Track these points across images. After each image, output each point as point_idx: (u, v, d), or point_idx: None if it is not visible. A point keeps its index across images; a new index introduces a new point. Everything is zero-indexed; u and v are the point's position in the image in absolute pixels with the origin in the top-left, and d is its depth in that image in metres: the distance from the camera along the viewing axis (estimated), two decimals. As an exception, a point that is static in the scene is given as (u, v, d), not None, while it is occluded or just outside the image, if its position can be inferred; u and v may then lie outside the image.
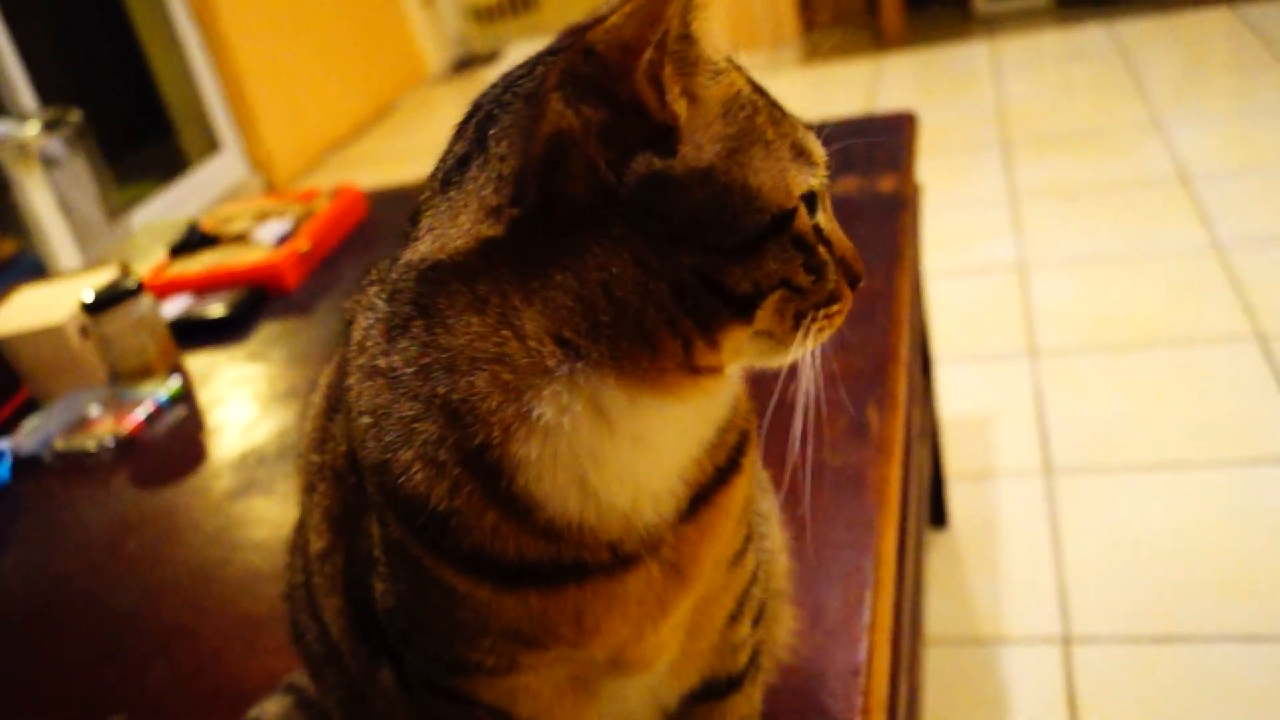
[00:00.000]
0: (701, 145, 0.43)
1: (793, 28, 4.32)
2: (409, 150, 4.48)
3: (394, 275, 0.48)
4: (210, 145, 4.23)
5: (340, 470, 0.58)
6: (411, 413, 0.46)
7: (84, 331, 1.46)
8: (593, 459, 0.45)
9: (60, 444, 1.32)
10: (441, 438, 0.45)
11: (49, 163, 2.55)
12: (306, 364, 1.38)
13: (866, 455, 0.94)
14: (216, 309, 1.53)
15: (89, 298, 1.41)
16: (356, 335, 0.51)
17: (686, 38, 0.44)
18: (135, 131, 4.23)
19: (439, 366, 0.45)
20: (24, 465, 1.32)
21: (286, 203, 1.80)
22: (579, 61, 0.43)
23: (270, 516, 1.09)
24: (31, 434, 1.35)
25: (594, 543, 0.47)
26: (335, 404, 0.61)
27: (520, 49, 5.30)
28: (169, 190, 3.96)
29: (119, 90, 4.23)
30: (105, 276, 1.53)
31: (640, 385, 0.44)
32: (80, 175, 2.71)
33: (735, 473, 0.50)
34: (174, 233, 1.77)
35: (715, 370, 0.46)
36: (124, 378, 1.42)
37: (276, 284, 1.59)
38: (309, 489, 0.63)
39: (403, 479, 0.46)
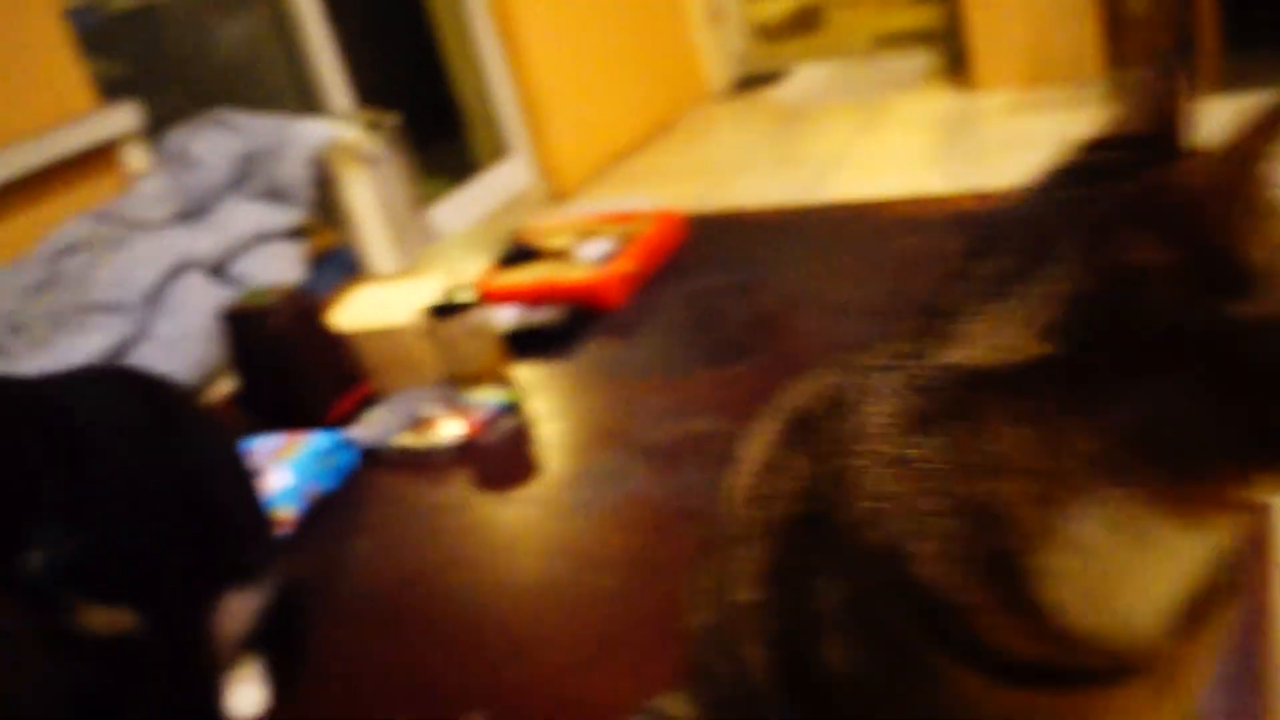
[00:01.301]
0: None
1: (1096, 64, 4.16)
2: (689, 167, 4.56)
3: (924, 372, 0.49)
4: (500, 150, 4.40)
5: (785, 529, 0.59)
6: (932, 507, 0.46)
7: (424, 333, 1.54)
8: (1117, 576, 0.45)
9: (401, 440, 1.39)
10: (963, 536, 0.45)
11: (370, 162, 2.71)
12: (633, 385, 1.42)
13: None
14: (546, 322, 1.59)
15: (432, 303, 1.48)
16: (868, 421, 0.51)
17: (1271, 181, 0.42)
18: (427, 131, 4.45)
19: (970, 469, 0.45)
20: (366, 457, 1.40)
21: (607, 222, 1.85)
22: (1161, 199, 0.42)
23: (614, 540, 1.12)
24: (373, 427, 1.43)
25: (1098, 651, 0.46)
26: (778, 464, 0.63)
27: (804, 70, 5.35)
28: (460, 191, 4.14)
29: (415, 90, 4.45)
30: (438, 281, 1.61)
31: (1179, 511, 0.44)
32: (394, 175, 2.87)
33: (1234, 592, 0.49)
34: (477, 240, 1.84)
35: (1253, 499, 0.45)
36: (458, 381, 1.49)
37: (600, 302, 1.64)
38: (739, 540, 0.64)
39: (914, 568, 0.46)
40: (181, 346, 2.27)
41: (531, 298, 1.67)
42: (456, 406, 1.44)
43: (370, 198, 2.68)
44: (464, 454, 1.36)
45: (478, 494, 1.27)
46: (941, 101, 4.60)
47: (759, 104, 5.23)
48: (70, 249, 2.54)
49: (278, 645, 1.06)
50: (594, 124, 4.63)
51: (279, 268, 2.45)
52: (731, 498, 0.68)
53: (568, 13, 4.52)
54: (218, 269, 2.44)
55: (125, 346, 2.26)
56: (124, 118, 2.91)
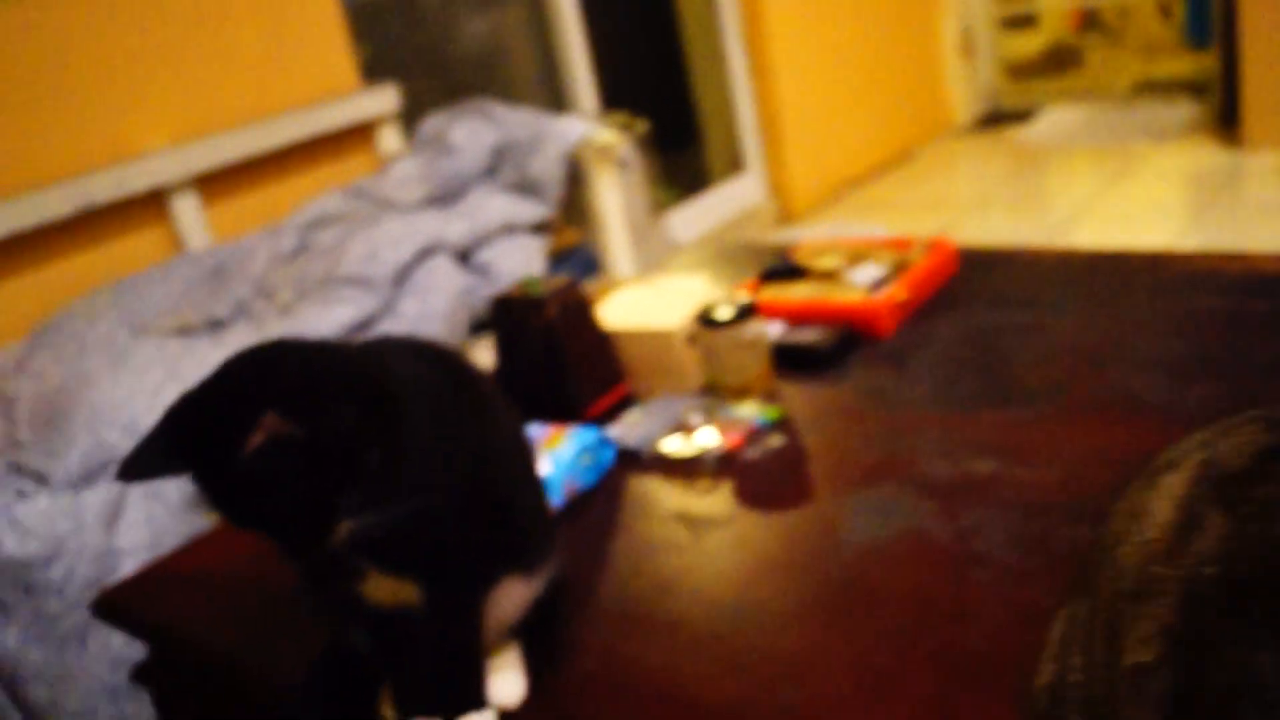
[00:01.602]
0: None
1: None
2: (925, 200, 4.43)
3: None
4: (733, 165, 4.37)
5: (1199, 591, 0.53)
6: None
7: (690, 340, 1.49)
8: None
9: (661, 445, 1.35)
10: None
11: (621, 165, 2.70)
12: (906, 417, 1.34)
13: None
14: (817, 342, 1.52)
15: (705, 311, 1.44)
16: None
17: None
18: (663, 140, 4.45)
19: None
20: (622, 457, 1.37)
21: (878, 247, 1.78)
22: None
23: (894, 576, 1.04)
24: (632, 428, 1.40)
25: None
26: (1193, 521, 0.56)
27: (1055, 111, 5.14)
28: (692, 203, 4.12)
29: (656, 97, 4.45)
30: (702, 288, 1.57)
31: None
32: (640, 181, 2.86)
33: None
34: (710, 252, 1.79)
35: None
36: (721, 392, 1.44)
37: (871, 329, 1.57)
38: (1137, 597, 0.57)
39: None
40: (424, 326, 2.29)
41: (798, 316, 1.60)
42: (718, 418, 1.39)
43: (617, 200, 2.67)
44: (725, 467, 1.30)
45: (740, 509, 1.22)
46: (1204, 156, 4.35)
47: (1004, 142, 5.05)
48: (322, 221, 2.61)
49: (538, 638, 1.03)
50: (831, 147, 4.55)
51: (522, 260, 2.46)
52: (1129, 552, 0.60)
53: (818, 32, 4.45)
54: (464, 255, 2.46)
55: (370, 321, 2.30)
56: (384, 99, 2.98)
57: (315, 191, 2.82)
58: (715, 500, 1.25)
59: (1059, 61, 5.42)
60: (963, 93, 5.30)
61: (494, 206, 2.55)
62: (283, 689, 1.07)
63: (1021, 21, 5.52)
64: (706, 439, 1.34)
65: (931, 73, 5.18)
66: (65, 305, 2.39)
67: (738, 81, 4.29)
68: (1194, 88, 4.96)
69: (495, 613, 0.97)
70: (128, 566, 1.78)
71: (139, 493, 1.84)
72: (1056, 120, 5.14)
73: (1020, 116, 5.24)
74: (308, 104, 2.87)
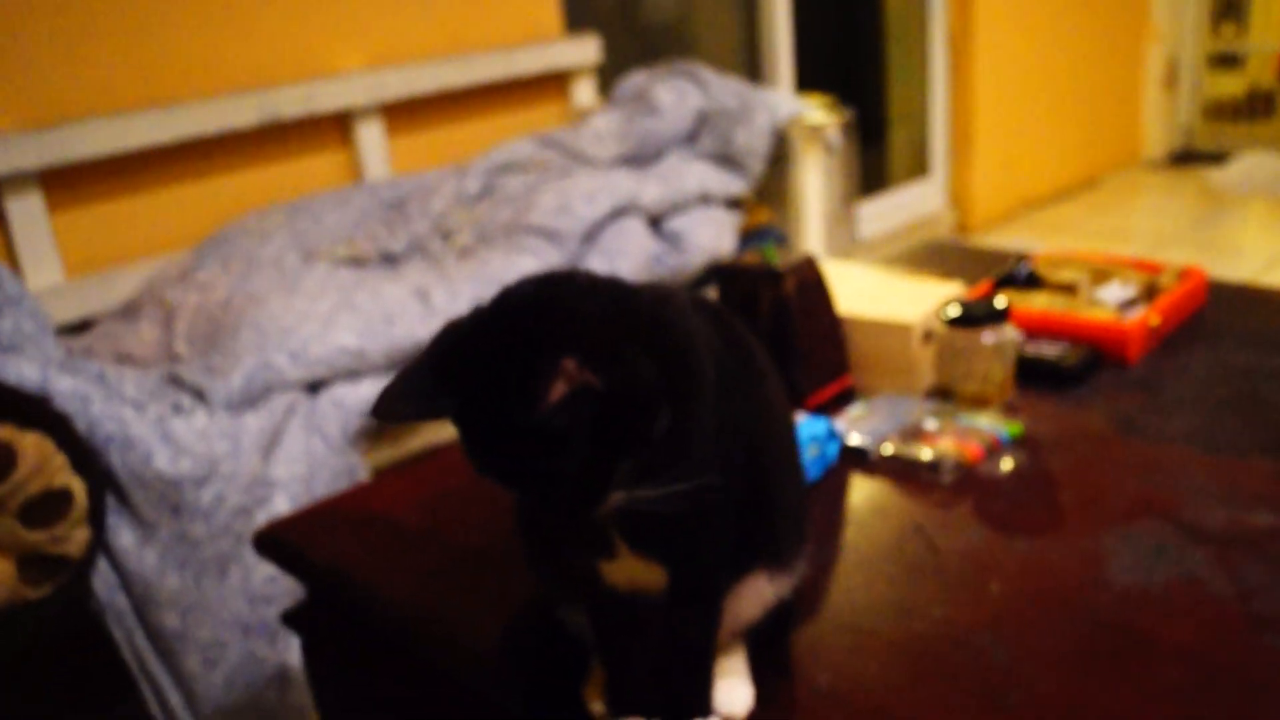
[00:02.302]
0: None
1: None
2: (1108, 230, 4.23)
3: None
4: (919, 168, 4.22)
5: None
6: None
7: (926, 337, 1.39)
8: None
9: (894, 447, 1.25)
10: None
11: (827, 148, 2.59)
12: (1165, 453, 1.21)
13: None
14: (1062, 357, 1.40)
15: (955, 308, 1.33)
16: None
17: None
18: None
19: None
20: (845, 454, 1.27)
21: (1122, 267, 1.64)
22: None
23: (1172, 627, 0.93)
24: (858, 424, 1.30)
25: None
26: None
27: (1250, 155, 4.88)
28: (873, 201, 3.99)
29: (850, 88, 4.31)
30: (941, 285, 1.46)
31: None
32: (840, 168, 2.75)
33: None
34: (905, 247, 1.67)
35: None
36: (955, 399, 1.33)
37: (1117, 351, 1.44)
38: None
39: None
40: (606, 288, 2.22)
41: (1037, 327, 1.48)
42: (957, 426, 1.28)
43: (819, 184, 2.56)
44: (961, 480, 1.20)
45: (984, 529, 1.11)
46: None
47: (1195, 181, 4.80)
48: (510, 167, 2.55)
49: (765, 644, 0.94)
50: (1018, 163, 4.37)
51: (714, 233, 2.37)
52: None
53: (1023, 44, 4.27)
54: (654, 220, 2.38)
55: (553, 275, 2.23)
56: (585, 50, 2.91)
57: (501, 136, 2.77)
58: (955, 516, 1.14)
59: (1257, 107, 5.13)
60: (1158, 126, 5.06)
61: (692, 174, 2.46)
62: (461, 651, 1.00)
63: (1227, 60, 5.24)
64: (943, 447, 1.23)
65: (1130, 101, 4.95)
66: (237, 220, 2.36)
67: (936, 82, 4.13)
68: None
69: (735, 611, 0.87)
70: (279, 499, 1.72)
71: (299, 423, 1.79)
72: (1253, 166, 4.87)
73: (1214, 158, 4.98)
74: (506, 45, 2.81)
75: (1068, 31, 4.50)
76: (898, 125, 4.25)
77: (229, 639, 1.66)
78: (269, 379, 1.79)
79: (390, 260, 2.37)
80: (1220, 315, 1.59)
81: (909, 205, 4.10)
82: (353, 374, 1.86)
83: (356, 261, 2.33)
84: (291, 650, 1.72)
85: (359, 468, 1.82)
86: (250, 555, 1.68)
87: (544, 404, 0.66)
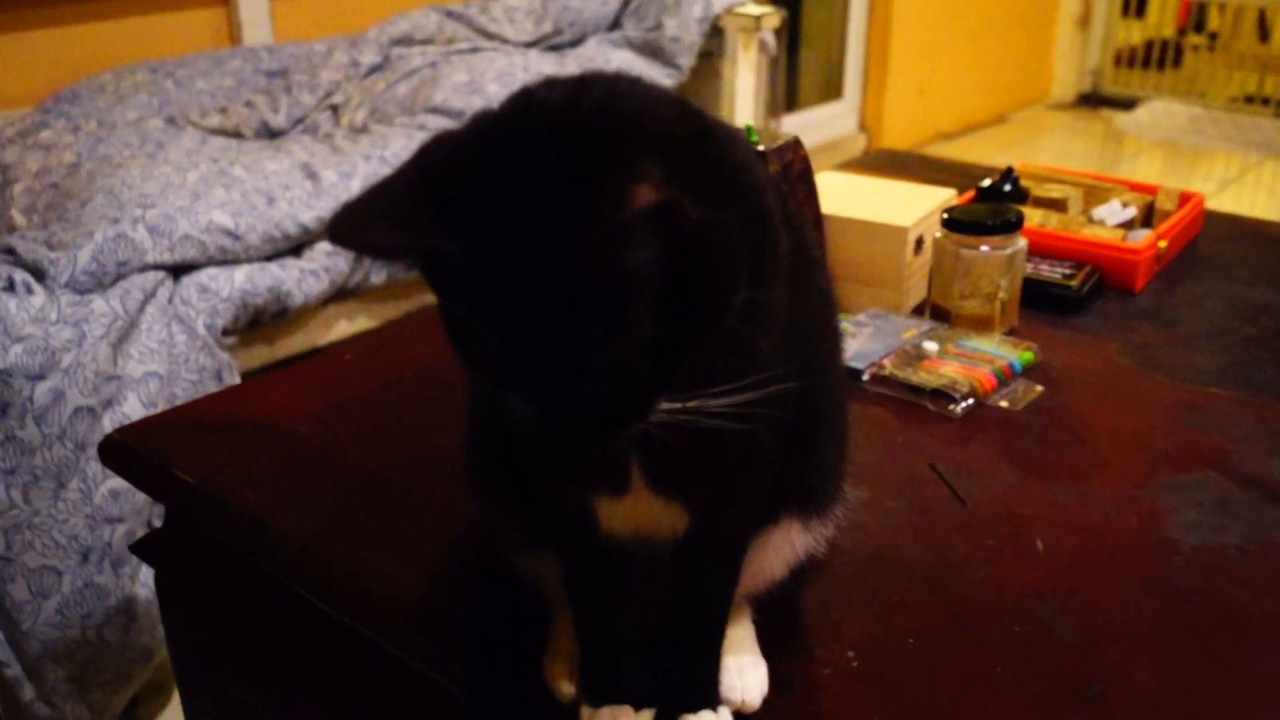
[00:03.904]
0: None
1: None
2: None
3: None
4: (832, 91, 4.03)
5: None
6: None
7: (919, 245, 1.19)
8: None
9: (892, 370, 1.05)
10: None
11: (762, 45, 2.37)
12: (1199, 393, 1.05)
13: None
14: (1067, 278, 1.22)
15: (959, 213, 1.13)
16: None
17: None
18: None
19: None
20: (830, 375, 1.06)
21: (1117, 187, 1.47)
22: None
23: (1268, 602, 0.75)
24: (846, 341, 1.09)
25: None
26: None
27: (1158, 103, 4.82)
28: (783, 119, 3.79)
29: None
30: (940, 192, 1.26)
31: None
32: (766, 73, 2.53)
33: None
34: (850, 155, 1.48)
35: None
36: (953, 319, 1.14)
37: (1123, 277, 1.27)
38: None
39: None
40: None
41: (1035, 247, 1.30)
42: (961, 351, 1.08)
43: (751, 83, 2.33)
44: (974, 413, 1.00)
45: (1014, 473, 0.92)
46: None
47: (1103, 123, 4.73)
48: (410, 40, 2.27)
49: (777, 612, 0.73)
50: (930, 96, 4.22)
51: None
52: None
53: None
54: (571, 111, 2.13)
55: (456, 163, 1.98)
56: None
57: (398, 8, 2.47)
58: (975, 456, 0.95)
59: (1158, 57, 5.08)
60: (1069, 66, 4.97)
61: (615, 63, 2.21)
62: (375, 602, 0.77)
63: (1138, 6, 5.16)
64: (950, 373, 1.04)
65: (1043, 39, 4.84)
66: (91, 76, 2.04)
67: (854, 2, 3.93)
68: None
69: (756, 569, 0.67)
70: (131, 400, 1.44)
71: (158, 311, 1.51)
72: (1160, 113, 4.82)
73: (1121, 103, 4.92)
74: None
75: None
76: (809, 45, 4.04)
77: (63, 564, 1.38)
78: (124, 256, 1.50)
79: (270, 135, 2.08)
80: (1217, 246, 1.44)
81: (819, 126, 3.91)
82: (224, 258, 1.59)
83: (231, 133, 2.04)
84: (139, 581, 1.45)
85: (229, 369, 1.56)
86: (93, 466, 1.40)
87: (617, 219, 0.43)
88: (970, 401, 1.01)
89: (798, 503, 0.65)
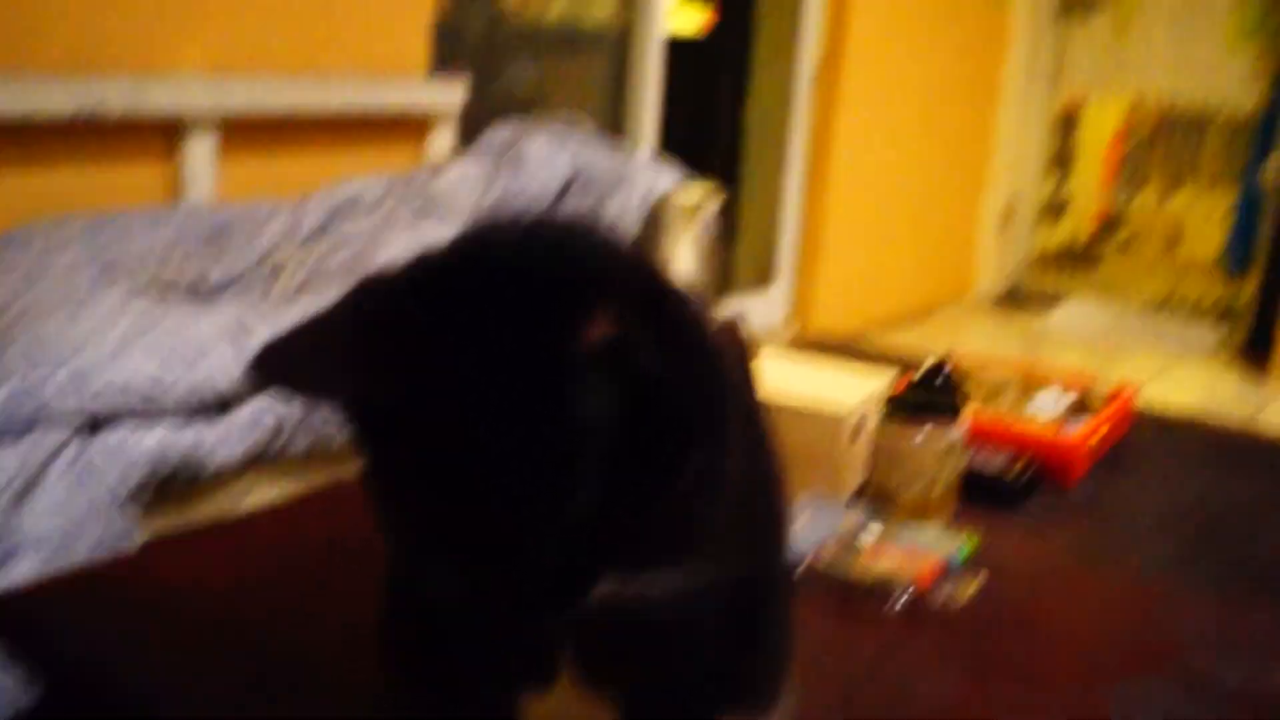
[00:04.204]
0: None
1: None
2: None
3: None
4: (763, 276, 4.10)
5: None
6: None
7: (854, 432, 1.17)
8: None
9: (828, 561, 1.01)
10: None
11: (701, 231, 2.40)
12: (1146, 592, 1.03)
13: None
14: (1003, 470, 1.21)
15: (897, 399, 1.12)
16: None
17: None
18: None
19: None
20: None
21: (1051, 379, 1.48)
22: None
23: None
24: (780, 527, 1.06)
25: None
26: None
27: (1076, 304, 4.97)
28: (715, 303, 3.84)
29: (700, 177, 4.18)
30: (866, 376, 1.25)
31: None
32: (705, 254, 2.56)
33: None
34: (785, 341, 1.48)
35: None
36: (892, 506, 1.12)
37: (1061, 470, 1.26)
38: None
39: None
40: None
41: (971, 436, 1.29)
42: (899, 542, 1.06)
43: (690, 269, 2.36)
44: (914, 608, 0.97)
45: (959, 676, 0.88)
46: (1228, 381, 4.20)
47: (1023, 323, 4.86)
48: (354, 206, 2.26)
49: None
50: (859, 286, 4.32)
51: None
52: None
53: (878, 164, 4.25)
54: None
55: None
56: (450, 94, 2.67)
57: (343, 173, 2.47)
58: (918, 655, 0.91)
59: (1077, 258, 5.28)
60: (991, 264, 5.13)
61: (554, 239, 2.22)
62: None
63: (1055, 209, 5.37)
64: (888, 565, 1.01)
65: (967, 237, 5.01)
66: (26, 224, 2.00)
67: (790, 192, 4.04)
68: (1219, 311, 4.85)
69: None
70: (24, 562, 1.35)
71: (64, 469, 1.43)
72: (1077, 313, 4.97)
73: (1041, 301, 5.07)
74: (365, 74, 2.54)
75: (920, 156, 4.52)
76: (748, 229, 4.13)
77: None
78: (34, 407, 1.43)
79: (204, 293, 2.04)
80: (1149, 440, 1.45)
81: (749, 313, 3.96)
82: (141, 416, 1.52)
83: (164, 288, 1.99)
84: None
85: (133, 535, 1.48)
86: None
87: (570, 354, 0.40)
88: (909, 596, 0.97)
89: (739, 699, 0.61)
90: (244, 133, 2.37)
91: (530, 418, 0.41)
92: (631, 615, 0.46)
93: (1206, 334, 4.74)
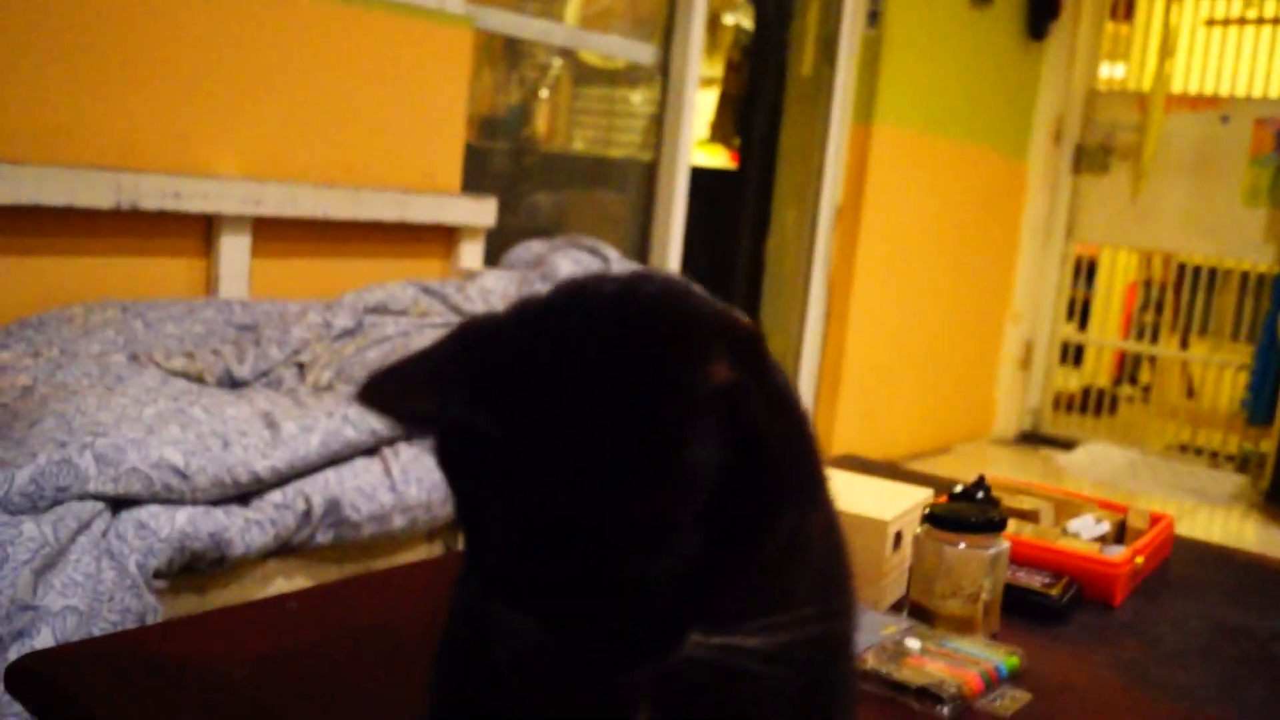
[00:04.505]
0: None
1: None
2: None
3: None
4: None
5: None
6: None
7: (897, 540, 1.16)
8: None
9: (874, 665, 0.99)
10: None
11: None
12: (1185, 714, 1.00)
13: None
14: (1047, 587, 1.19)
15: (943, 510, 1.11)
16: None
17: None
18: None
19: None
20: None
21: (1088, 503, 1.47)
22: None
23: None
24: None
25: None
26: None
27: (1096, 446, 4.96)
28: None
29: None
30: (919, 490, 1.25)
31: None
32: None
33: None
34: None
35: None
36: (934, 619, 1.10)
37: (1103, 590, 1.24)
38: None
39: None
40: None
41: (1013, 554, 1.27)
42: (939, 650, 1.03)
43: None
44: (958, 715, 0.94)
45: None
46: (1248, 529, 4.15)
47: (1043, 462, 4.84)
48: (385, 309, 2.29)
49: None
50: (879, 418, 4.31)
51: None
52: None
53: (898, 301, 4.29)
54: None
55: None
56: (483, 211, 2.71)
57: (373, 277, 2.51)
58: (965, 757, 0.88)
59: (1095, 403, 5.29)
60: (1010, 405, 5.13)
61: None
62: None
63: (1075, 354, 5.40)
64: (935, 673, 0.98)
65: (987, 376, 5.02)
66: (61, 308, 2.02)
67: (812, 318, 4.06)
68: (1235, 458, 4.84)
69: None
70: (44, 634, 1.33)
71: (90, 544, 1.42)
72: (1098, 455, 4.94)
73: (1060, 444, 5.05)
74: (400, 186, 2.59)
75: (940, 297, 4.56)
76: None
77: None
78: (65, 482, 1.42)
79: (233, 384, 2.05)
80: (1188, 568, 1.42)
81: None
82: (169, 497, 1.52)
83: (194, 377, 2.00)
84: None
85: (154, 614, 1.46)
86: (-9, 703, 1.28)
87: (690, 397, 0.39)
88: (958, 703, 0.95)
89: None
90: (279, 232, 2.41)
91: (643, 458, 0.40)
92: (718, 672, 0.45)
93: (1226, 481, 4.71)
